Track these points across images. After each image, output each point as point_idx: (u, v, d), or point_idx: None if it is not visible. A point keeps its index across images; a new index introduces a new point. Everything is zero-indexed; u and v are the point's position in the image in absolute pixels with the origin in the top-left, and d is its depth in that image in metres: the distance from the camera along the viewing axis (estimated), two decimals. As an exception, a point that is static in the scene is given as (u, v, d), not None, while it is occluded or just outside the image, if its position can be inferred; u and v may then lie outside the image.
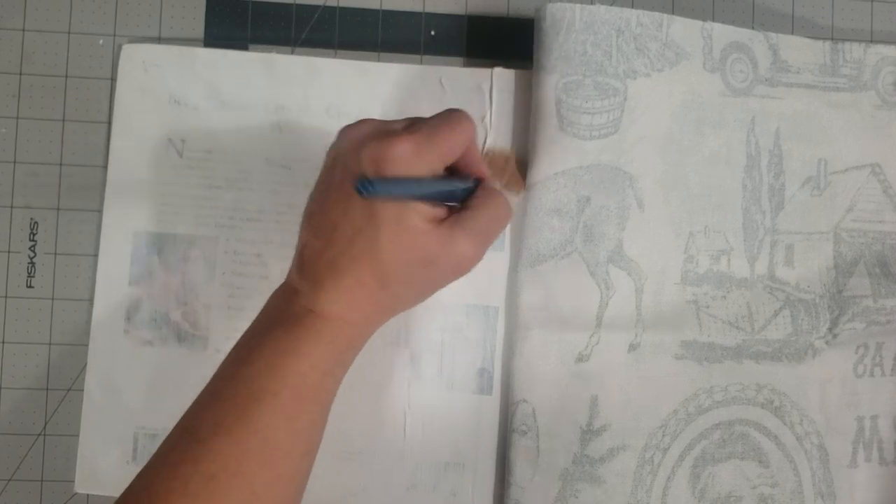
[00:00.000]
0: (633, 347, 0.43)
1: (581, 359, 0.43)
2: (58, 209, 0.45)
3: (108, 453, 0.43)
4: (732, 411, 0.44)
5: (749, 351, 0.44)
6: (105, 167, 0.45)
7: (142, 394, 0.44)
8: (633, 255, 0.44)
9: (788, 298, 0.45)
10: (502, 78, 0.45)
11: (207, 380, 0.32)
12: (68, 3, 0.46)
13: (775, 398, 0.44)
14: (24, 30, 0.46)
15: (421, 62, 0.46)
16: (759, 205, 0.45)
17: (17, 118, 0.45)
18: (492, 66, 0.46)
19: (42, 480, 0.44)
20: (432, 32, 0.47)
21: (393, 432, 0.44)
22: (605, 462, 0.43)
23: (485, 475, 0.44)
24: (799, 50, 0.46)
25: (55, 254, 0.45)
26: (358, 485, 0.43)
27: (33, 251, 0.45)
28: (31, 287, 0.45)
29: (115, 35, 0.46)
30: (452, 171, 0.34)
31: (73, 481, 0.43)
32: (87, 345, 0.44)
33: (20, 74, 0.45)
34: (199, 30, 0.46)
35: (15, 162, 0.45)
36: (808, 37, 0.46)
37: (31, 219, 0.45)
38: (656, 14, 0.44)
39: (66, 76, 0.46)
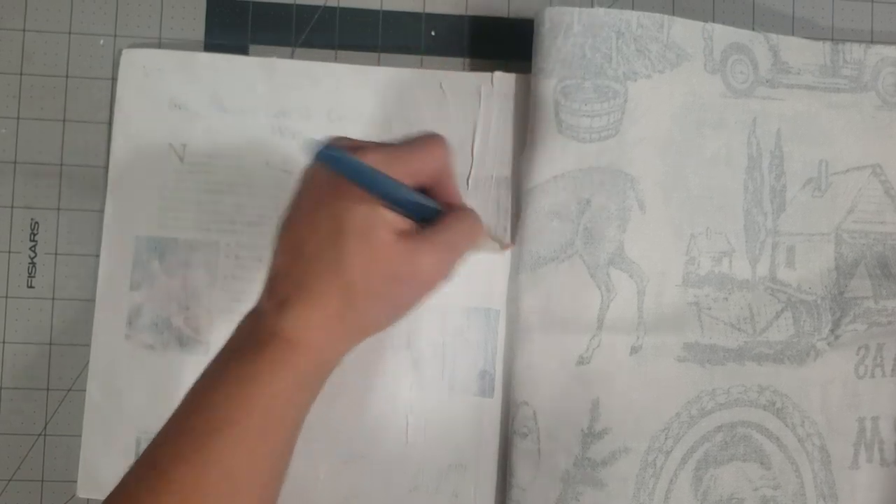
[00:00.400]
0: (634, 350, 0.43)
1: (582, 361, 0.43)
2: (58, 209, 0.45)
3: (110, 458, 0.43)
4: (735, 413, 0.44)
5: (751, 353, 0.44)
6: (105, 167, 0.45)
7: (144, 398, 0.44)
8: (635, 257, 0.44)
9: (790, 300, 0.45)
10: (502, 82, 0.45)
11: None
12: (69, 4, 0.46)
13: (777, 400, 0.44)
14: (24, 30, 0.46)
15: (421, 63, 0.46)
16: (760, 206, 0.45)
17: (18, 118, 0.45)
18: (492, 67, 0.45)
19: (42, 480, 0.44)
20: (433, 33, 0.47)
21: (395, 435, 0.44)
22: (607, 465, 0.42)
23: (486, 477, 0.44)
24: (799, 51, 0.46)
25: (56, 254, 0.45)
26: (360, 487, 0.43)
27: (34, 251, 0.45)
28: (31, 287, 0.45)
29: (115, 35, 0.46)
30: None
31: (74, 481, 0.43)
32: (87, 345, 0.44)
33: (21, 75, 0.45)
34: (199, 29, 0.46)
35: (15, 162, 0.45)
36: (809, 38, 0.46)
37: (32, 219, 0.45)
38: (657, 15, 0.44)
39: (67, 76, 0.45)
